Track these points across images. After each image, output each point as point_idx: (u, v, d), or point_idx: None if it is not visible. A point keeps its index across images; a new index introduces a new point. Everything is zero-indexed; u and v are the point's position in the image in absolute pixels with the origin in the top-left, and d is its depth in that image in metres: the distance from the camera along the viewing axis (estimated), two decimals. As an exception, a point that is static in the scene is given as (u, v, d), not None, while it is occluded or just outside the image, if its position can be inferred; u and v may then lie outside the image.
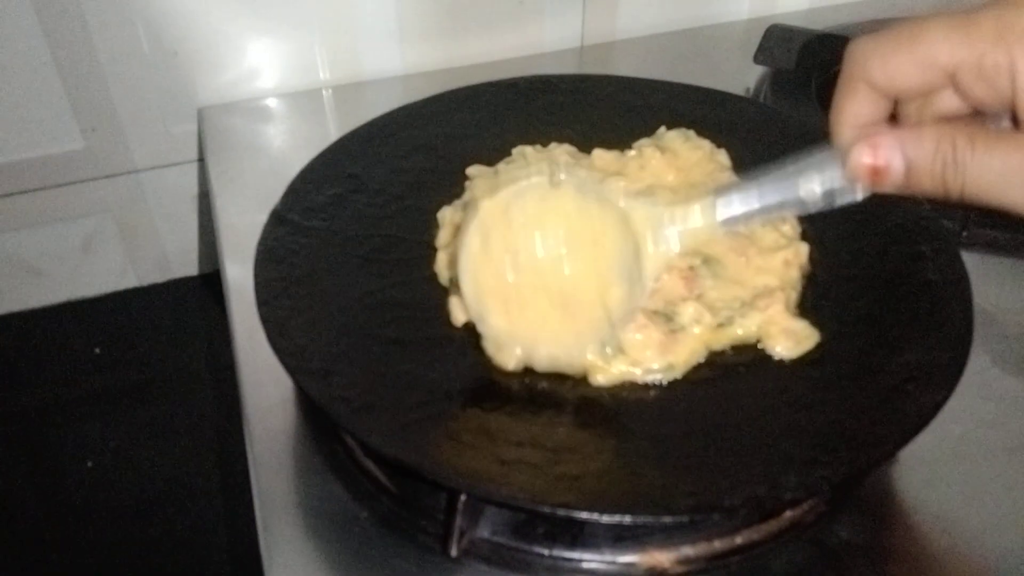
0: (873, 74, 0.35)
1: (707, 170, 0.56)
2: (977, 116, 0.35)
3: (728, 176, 0.56)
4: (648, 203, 0.43)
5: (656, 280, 0.44)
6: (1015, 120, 0.33)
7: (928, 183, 0.34)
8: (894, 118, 0.37)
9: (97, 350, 0.76)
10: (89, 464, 0.68)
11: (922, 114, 0.36)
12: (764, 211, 0.40)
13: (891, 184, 0.35)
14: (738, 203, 0.40)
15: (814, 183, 0.38)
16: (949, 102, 0.35)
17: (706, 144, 0.57)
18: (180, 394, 0.74)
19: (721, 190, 0.41)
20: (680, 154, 0.57)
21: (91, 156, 0.73)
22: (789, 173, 0.38)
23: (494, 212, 0.43)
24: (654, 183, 0.55)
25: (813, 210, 0.38)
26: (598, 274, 0.43)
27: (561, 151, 0.57)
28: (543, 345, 0.44)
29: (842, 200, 0.37)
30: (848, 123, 0.37)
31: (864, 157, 0.35)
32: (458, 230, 0.51)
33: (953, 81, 0.34)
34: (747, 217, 0.40)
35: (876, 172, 0.35)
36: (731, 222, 0.41)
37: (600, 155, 0.57)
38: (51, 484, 0.68)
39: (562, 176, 0.43)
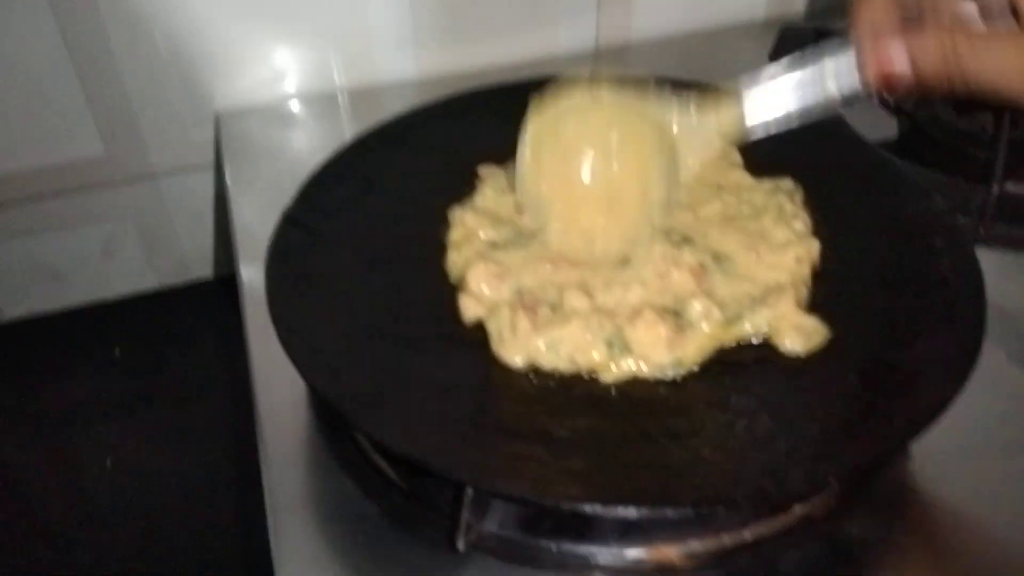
0: None
1: (719, 167, 0.56)
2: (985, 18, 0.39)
3: (740, 174, 0.56)
4: (683, 110, 0.49)
5: (690, 174, 0.51)
6: (1016, 15, 0.37)
7: (933, 80, 0.38)
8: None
9: (117, 351, 0.77)
10: (108, 463, 0.69)
11: (935, 18, 0.40)
12: (787, 119, 0.46)
13: (902, 86, 0.39)
14: (762, 112, 0.47)
15: (832, 88, 0.43)
16: (958, 4, 0.39)
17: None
18: (198, 395, 0.74)
19: (747, 92, 0.47)
20: None
21: (111, 161, 0.74)
22: (810, 78, 0.44)
23: (542, 126, 0.51)
24: None
25: (831, 112, 0.45)
26: (640, 176, 0.50)
27: None
28: (598, 242, 0.50)
29: (858, 101, 0.43)
30: (864, 28, 0.41)
31: (873, 66, 0.40)
32: (468, 230, 0.52)
33: None
34: (771, 125, 0.47)
35: (887, 77, 0.40)
36: (757, 129, 0.47)
37: None
38: (71, 483, 0.68)
39: (603, 92, 0.50)
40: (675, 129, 0.50)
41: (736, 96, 0.47)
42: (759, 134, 0.48)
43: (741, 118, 0.47)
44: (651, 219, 0.50)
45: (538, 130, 0.51)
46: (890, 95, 0.43)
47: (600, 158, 0.50)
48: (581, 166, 0.50)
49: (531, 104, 0.51)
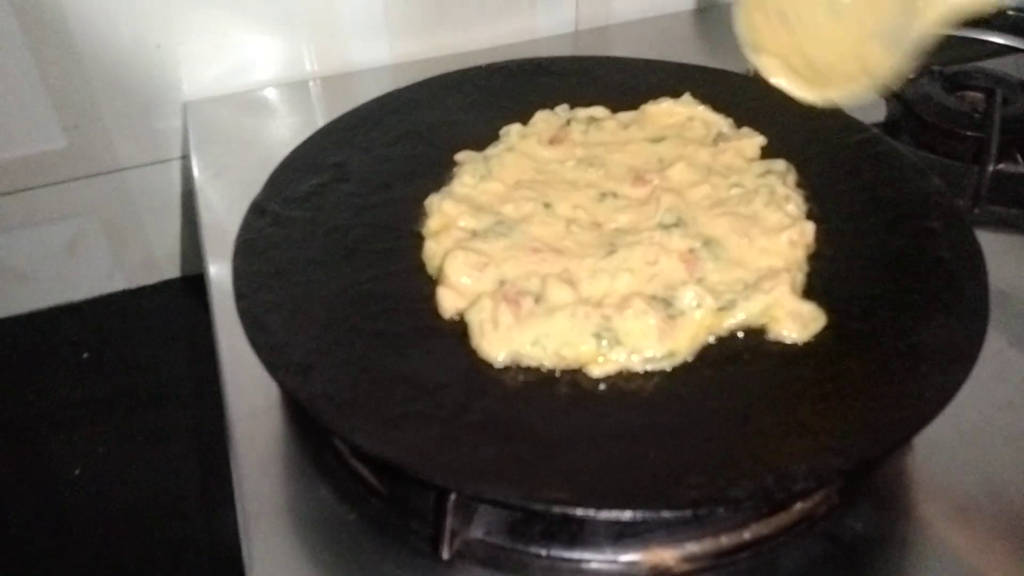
0: None
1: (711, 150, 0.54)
2: None
3: (731, 156, 0.54)
4: None
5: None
6: None
7: None
8: None
9: (85, 355, 0.74)
10: (77, 472, 0.66)
11: None
12: None
13: None
14: None
15: None
16: None
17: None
18: (170, 398, 0.72)
19: None
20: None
21: (74, 155, 0.71)
22: None
23: None
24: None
25: None
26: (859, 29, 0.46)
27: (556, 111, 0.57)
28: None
29: None
30: None
31: None
32: (447, 218, 0.49)
33: None
34: None
35: None
36: None
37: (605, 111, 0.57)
38: (39, 492, 0.66)
39: None
40: None
41: None
42: None
43: None
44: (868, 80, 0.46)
45: None
46: None
47: None
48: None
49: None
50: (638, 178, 0.52)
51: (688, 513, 0.34)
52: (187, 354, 0.74)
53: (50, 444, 0.69)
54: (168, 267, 0.79)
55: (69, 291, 0.77)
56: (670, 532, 0.39)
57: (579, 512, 0.33)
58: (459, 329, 0.44)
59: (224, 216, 0.62)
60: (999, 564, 0.40)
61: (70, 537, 0.63)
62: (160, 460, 0.67)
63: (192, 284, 0.80)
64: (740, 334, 0.44)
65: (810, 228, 0.48)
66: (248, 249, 0.46)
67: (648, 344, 0.42)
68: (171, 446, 0.68)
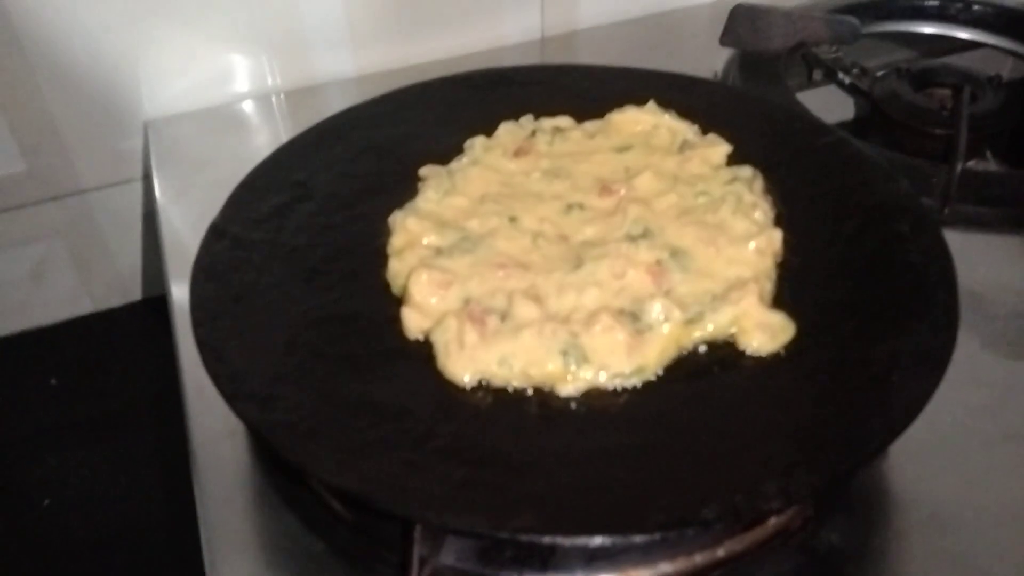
0: None
1: (677, 159, 0.54)
2: None
3: (697, 163, 0.53)
4: None
5: None
6: None
7: None
8: None
9: (53, 381, 0.73)
10: (46, 502, 0.65)
11: None
12: None
13: None
14: None
15: None
16: None
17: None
18: (142, 425, 0.70)
19: None
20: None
21: (34, 178, 0.70)
22: None
23: None
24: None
25: None
26: None
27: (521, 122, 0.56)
28: None
29: None
30: None
31: None
32: (411, 235, 0.48)
33: None
34: None
35: None
36: None
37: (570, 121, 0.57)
38: (6, 524, 0.64)
39: None
40: None
41: None
42: None
43: None
44: None
45: None
46: None
47: None
48: None
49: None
50: (605, 188, 0.51)
51: (657, 537, 0.33)
52: (158, 377, 0.73)
53: (19, 474, 0.68)
54: (136, 289, 0.78)
55: (35, 316, 0.76)
56: (643, 553, 0.38)
57: (546, 540, 0.33)
58: (425, 350, 0.43)
59: (186, 237, 0.61)
60: (978, 572, 0.40)
61: (40, 570, 0.61)
62: (132, 487, 0.65)
63: (160, 305, 0.78)
64: (709, 347, 0.43)
65: (777, 235, 0.47)
66: (206, 274, 0.45)
67: (616, 360, 0.41)
68: (144, 473, 0.67)
